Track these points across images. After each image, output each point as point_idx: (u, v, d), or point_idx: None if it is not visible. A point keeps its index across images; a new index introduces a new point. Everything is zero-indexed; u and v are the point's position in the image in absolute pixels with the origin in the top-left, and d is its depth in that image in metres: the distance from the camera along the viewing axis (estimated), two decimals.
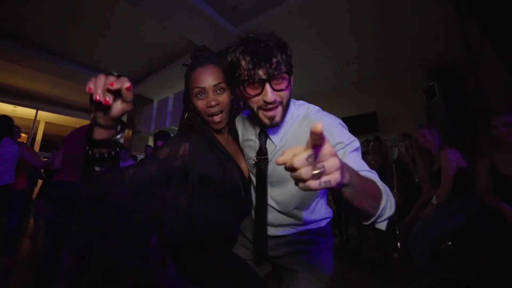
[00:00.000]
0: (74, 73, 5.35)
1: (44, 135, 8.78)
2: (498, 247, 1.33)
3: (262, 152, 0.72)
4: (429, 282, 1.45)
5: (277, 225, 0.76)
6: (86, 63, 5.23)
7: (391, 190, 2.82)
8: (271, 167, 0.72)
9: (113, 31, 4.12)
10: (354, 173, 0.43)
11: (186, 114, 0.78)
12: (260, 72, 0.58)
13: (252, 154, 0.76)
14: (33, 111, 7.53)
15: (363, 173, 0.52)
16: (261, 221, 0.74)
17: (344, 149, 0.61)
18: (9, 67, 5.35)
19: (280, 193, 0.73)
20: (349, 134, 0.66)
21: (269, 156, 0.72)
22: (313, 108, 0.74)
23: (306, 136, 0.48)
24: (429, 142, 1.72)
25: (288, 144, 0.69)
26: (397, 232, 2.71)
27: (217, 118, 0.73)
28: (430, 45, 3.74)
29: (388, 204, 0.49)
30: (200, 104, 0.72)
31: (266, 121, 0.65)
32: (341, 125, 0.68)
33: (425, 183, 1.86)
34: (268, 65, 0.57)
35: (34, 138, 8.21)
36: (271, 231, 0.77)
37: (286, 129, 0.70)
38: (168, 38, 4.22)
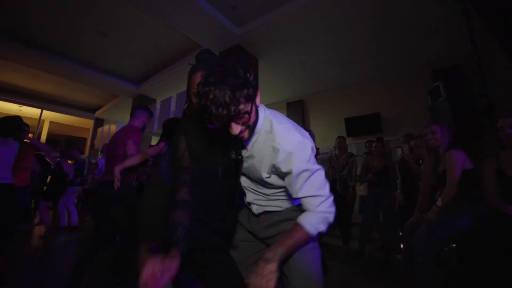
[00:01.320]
0: (78, 73, 5.39)
1: (48, 134, 8.88)
2: (504, 251, 1.30)
3: (238, 153, 0.86)
4: (432, 284, 1.43)
5: (257, 204, 0.91)
6: (90, 63, 5.28)
7: (395, 191, 2.80)
8: (245, 164, 0.86)
9: (117, 32, 4.15)
10: (283, 251, 0.70)
11: (186, 105, 0.94)
12: (224, 120, 0.68)
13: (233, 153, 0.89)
14: (38, 111, 7.63)
15: (293, 223, 0.74)
16: (232, 199, 0.91)
17: (291, 175, 0.73)
18: (15, 67, 5.42)
19: (250, 182, 0.91)
20: (307, 157, 0.74)
21: (243, 156, 0.85)
22: (277, 122, 0.79)
23: (268, 151, 0.77)
24: (437, 140, 1.68)
25: (254, 154, 0.81)
26: (400, 234, 2.68)
27: None
28: (435, 45, 3.71)
29: (316, 230, 0.72)
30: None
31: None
32: (301, 145, 0.74)
33: (426, 182, 1.83)
34: (229, 113, 0.66)
35: (39, 137, 8.31)
36: (255, 208, 0.91)
37: (255, 137, 0.80)
38: (171, 38, 4.23)
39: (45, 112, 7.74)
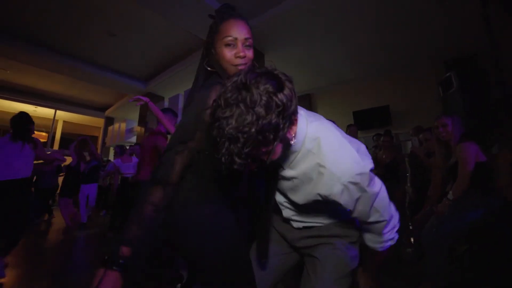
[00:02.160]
0: (88, 73, 5.53)
1: (62, 133, 9.19)
2: None
3: (273, 169, 0.70)
4: (444, 278, 1.42)
5: (296, 220, 0.78)
6: (99, 63, 5.39)
7: (404, 184, 2.77)
8: (284, 184, 0.70)
9: (124, 31, 4.21)
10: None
11: (206, 60, 0.79)
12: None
13: None
14: (52, 111, 7.89)
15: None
16: (267, 218, 0.76)
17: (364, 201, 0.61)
18: (29, 69, 5.61)
19: (289, 200, 0.75)
20: (366, 182, 0.59)
21: (280, 175, 0.69)
22: (325, 146, 0.59)
23: (315, 176, 0.60)
24: (448, 134, 1.64)
25: (295, 174, 0.65)
26: (410, 227, 2.65)
27: (243, 66, 0.74)
28: (447, 34, 3.57)
29: (393, 237, 0.73)
30: (229, 53, 0.73)
31: None
32: (360, 174, 0.58)
33: (437, 176, 1.80)
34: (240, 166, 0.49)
35: (53, 137, 8.61)
36: (294, 224, 0.79)
37: (295, 156, 0.63)
38: (177, 36, 4.26)
39: (58, 112, 7.99)
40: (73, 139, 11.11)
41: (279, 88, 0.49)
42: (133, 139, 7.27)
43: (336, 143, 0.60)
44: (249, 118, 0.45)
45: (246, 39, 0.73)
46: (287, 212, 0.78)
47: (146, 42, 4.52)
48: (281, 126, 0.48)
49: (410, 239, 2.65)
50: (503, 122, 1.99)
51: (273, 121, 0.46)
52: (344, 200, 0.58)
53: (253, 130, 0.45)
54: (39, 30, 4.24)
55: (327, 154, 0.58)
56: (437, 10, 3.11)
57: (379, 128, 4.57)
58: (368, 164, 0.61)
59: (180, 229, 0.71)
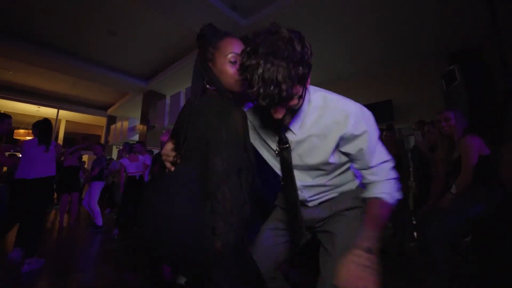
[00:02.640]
0: (89, 73, 5.55)
1: (65, 133, 9.26)
2: None
3: (282, 141, 0.74)
4: (447, 272, 1.43)
5: (311, 199, 0.83)
6: (100, 62, 5.40)
7: (408, 179, 2.76)
8: (294, 153, 0.75)
9: (125, 30, 4.21)
10: (377, 234, 0.66)
11: (207, 78, 0.77)
12: (274, 101, 0.58)
13: (272, 144, 0.79)
14: (55, 111, 7.94)
15: (374, 199, 0.71)
16: (294, 209, 0.79)
17: (364, 141, 0.69)
18: (32, 70, 5.64)
19: (304, 176, 0.80)
20: (373, 121, 0.70)
21: (291, 144, 0.74)
22: (331, 97, 0.71)
23: (329, 127, 0.69)
24: (451, 128, 1.63)
25: (309, 133, 0.71)
26: (414, 222, 2.66)
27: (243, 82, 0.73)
28: (450, 27, 3.51)
29: (395, 198, 0.72)
30: (232, 70, 0.73)
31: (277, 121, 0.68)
32: (366, 110, 0.70)
33: (439, 169, 1.80)
34: (280, 94, 0.56)
35: (57, 136, 8.69)
36: (311, 204, 0.84)
37: (303, 116, 0.71)
38: (177, 34, 4.25)
39: (61, 111, 8.05)
40: (76, 138, 11.19)
41: (303, 39, 0.61)
42: (136, 137, 7.31)
43: (339, 97, 0.71)
44: (290, 48, 0.56)
45: None
46: (303, 194, 0.82)
47: (147, 40, 4.52)
48: (307, 58, 0.59)
49: (413, 234, 2.66)
50: (509, 115, 1.97)
51: (300, 52, 0.57)
52: (359, 130, 0.67)
53: (295, 57, 0.55)
54: (40, 30, 4.26)
55: (337, 103, 0.69)
56: (441, 3, 3.06)
57: (382, 123, 4.54)
58: (368, 112, 0.72)
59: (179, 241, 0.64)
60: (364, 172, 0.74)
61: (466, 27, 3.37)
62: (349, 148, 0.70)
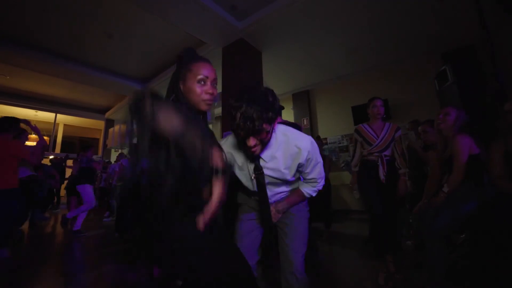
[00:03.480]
0: (86, 76, 5.55)
1: (63, 137, 9.25)
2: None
3: (258, 168, 1.02)
4: (441, 268, 1.46)
5: (274, 200, 1.15)
6: (97, 65, 5.41)
7: None
8: (266, 176, 1.04)
9: (121, 33, 4.23)
10: (288, 206, 1.13)
11: (173, 96, 0.89)
12: (248, 132, 0.86)
13: (249, 170, 1.06)
14: (52, 115, 7.93)
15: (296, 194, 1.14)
16: (266, 207, 1.08)
17: (310, 165, 1.05)
18: (29, 74, 5.65)
19: (273, 187, 1.12)
20: (318, 152, 1.07)
21: (264, 170, 1.03)
22: (290, 134, 1.03)
23: (293, 151, 1.00)
24: (446, 123, 1.65)
25: (276, 161, 1.01)
26: (410, 221, 2.70)
27: (210, 102, 0.89)
28: (443, 27, 3.57)
29: (309, 195, 1.14)
30: (200, 89, 0.86)
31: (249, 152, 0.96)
32: (314, 144, 1.04)
33: (435, 168, 1.83)
34: (253, 128, 0.83)
35: (55, 140, 8.67)
36: (272, 200, 1.15)
37: (272, 149, 1.00)
38: (174, 36, 4.27)
39: (59, 115, 8.04)
40: (74, 142, 11.16)
41: (274, 94, 0.92)
42: (134, 141, 7.31)
43: (296, 133, 1.03)
44: (264, 99, 0.85)
45: (214, 79, 0.89)
46: (270, 199, 1.12)
47: (144, 43, 4.53)
48: (276, 107, 0.88)
49: (410, 232, 2.70)
50: (500, 114, 2.01)
51: (270, 103, 0.86)
52: (306, 158, 1.00)
53: (267, 105, 0.84)
54: (37, 35, 4.26)
55: (294, 140, 1.00)
56: (433, 2, 3.11)
57: None
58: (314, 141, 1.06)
59: (170, 245, 0.74)
60: (304, 178, 1.12)
61: (457, 27, 3.43)
62: (301, 169, 1.04)
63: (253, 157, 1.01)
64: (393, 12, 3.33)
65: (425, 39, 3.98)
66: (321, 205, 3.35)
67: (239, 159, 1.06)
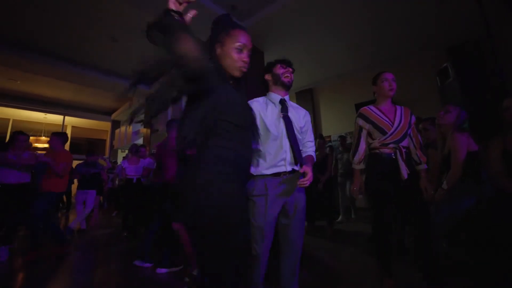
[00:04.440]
0: (93, 79, 5.69)
1: (71, 138, 9.46)
2: (509, 230, 1.33)
3: (285, 110, 1.23)
4: (437, 261, 1.49)
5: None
6: (103, 68, 5.54)
7: None
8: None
9: (125, 36, 4.31)
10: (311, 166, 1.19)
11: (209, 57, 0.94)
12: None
13: (275, 113, 1.24)
14: (61, 117, 8.14)
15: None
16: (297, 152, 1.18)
17: (308, 126, 1.34)
18: (38, 79, 5.81)
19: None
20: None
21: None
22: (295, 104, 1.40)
23: (302, 115, 1.35)
24: (444, 119, 1.66)
25: (293, 114, 1.26)
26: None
27: (244, 70, 0.93)
28: (444, 24, 3.53)
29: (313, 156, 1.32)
30: (236, 56, 0.90)
31: (287, 83, 1.28)
32: (308, 112, 1.40)
33: (435, 165, 1.85)
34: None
35: None
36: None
37: (291, 108, 1.28)
38: None
39: (67, 118, 8.24)
40: (82, 143, 11.39)
41: None
42: (140, 141, 7.45)
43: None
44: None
45: (250, 49, 0.93)
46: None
47: (147, 45, 4.58)
48: None
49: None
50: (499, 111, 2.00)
51: None
52: (308, 120, 1.35)
53: None
54: (45, 40, 4.39)
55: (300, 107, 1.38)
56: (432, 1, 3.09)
57: None
58: None
59: (198, 208, 0.74)
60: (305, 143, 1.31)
61: (461, 22, 3.39)
62: (303, 129, 1.29)
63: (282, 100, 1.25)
64: (395, 8, 3.31)
65: (427, 35, 3.94)
66: (324, 203, 3.38)
67: (267, 117, 1.20)
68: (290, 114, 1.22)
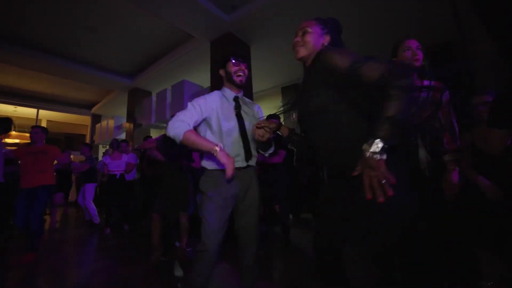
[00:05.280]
0: (71, 71, 5.38)
1: (48, 133, 8.92)
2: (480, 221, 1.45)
3: (239, 107, 1.28)
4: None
5: None
6: (82, 60, 5.25)
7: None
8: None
9: (106, 26, 4.11)
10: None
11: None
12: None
13: (230, 110, 1.27)
14: (34, 111, 7.63)
15: None
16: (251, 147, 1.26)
17: None
18: (8, 69, 5.39)
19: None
20: None
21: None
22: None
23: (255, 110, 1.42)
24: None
25: (245, 106, 1.33)
26: None
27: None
28: (422, 25, 3.69)
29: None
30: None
31: (239, 82, 1.29)
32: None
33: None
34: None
35: None
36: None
37: (245, 101, 1.36)
38: (161, 29, 4.20)
39: (41, 111, 7.75)
40: (59, 138, 10.81)
41: None
42: (122, 136, 7.19)
43: None
44: None
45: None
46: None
47: (129, 36, 4.43)
48: None
49: None
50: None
51: None
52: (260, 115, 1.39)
53: None
54: (17, 27, 4.08)
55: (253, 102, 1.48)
56: (410, 3, 3.22)
57: None
58: None
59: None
60: None
61: (436, 23, 3.56)
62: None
63: (236, 99, 1.29)
64: (372, 9, 3.41)
65: (409, 32, 4.09)
66: (309, 195, 3.48)
67: (223, 114, 1.24)
68: (243, 111, 1.27)
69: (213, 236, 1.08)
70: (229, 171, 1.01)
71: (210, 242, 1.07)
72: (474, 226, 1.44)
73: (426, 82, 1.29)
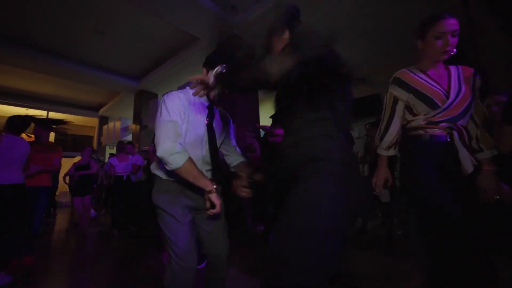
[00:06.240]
0: (79, 74, 5.48)
1: (56, 134, 9.10)
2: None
3: (211, 115, 1.12)
4: (424, 255, 1.55)
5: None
6: (89, 62, 5.34)
7: (394, 171, 2.88)
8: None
9: (113, 29, 4.17)
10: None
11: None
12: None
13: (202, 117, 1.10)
14: (44, 113, 7.80)
15: None
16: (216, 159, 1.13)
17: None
18: (19, 72, 5.53)
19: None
20: None
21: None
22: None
23: (225, 119, 1.24)
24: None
25: (219, 117, 1.19)
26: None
27: None
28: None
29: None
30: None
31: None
32: None
33: None
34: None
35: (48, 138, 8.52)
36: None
37: (217, 112, 1.19)
38: (167, 32, 4.24)
39: (51, 113, 7.91)
40: (68, 140, 10.99)
41: None
42: (129, 137, 7.28)
43: None
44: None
45: None
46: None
47: (135, 39, 4.48)
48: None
49: (401, 222, 2.81)
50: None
51: None
52: (233, 127, 1.29)
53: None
54: (27, 32, 4.18)
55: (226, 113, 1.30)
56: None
57: (371, 116, 4.67)
58: None
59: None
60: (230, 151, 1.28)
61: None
62: (230, 135, 1.26)
63: (209, 107, 1.12)
64: (382, 3, 3.36)
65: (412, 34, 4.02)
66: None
67: (192, 113, 1.07)
68: (216, 117, 1.15)
69: (186, 253, 0.97)
70: (217, 212, 0.95)
71: (185, 259, 0.98)
72: (491, 231, 1.39)
73: (454, 73, 1.09)
